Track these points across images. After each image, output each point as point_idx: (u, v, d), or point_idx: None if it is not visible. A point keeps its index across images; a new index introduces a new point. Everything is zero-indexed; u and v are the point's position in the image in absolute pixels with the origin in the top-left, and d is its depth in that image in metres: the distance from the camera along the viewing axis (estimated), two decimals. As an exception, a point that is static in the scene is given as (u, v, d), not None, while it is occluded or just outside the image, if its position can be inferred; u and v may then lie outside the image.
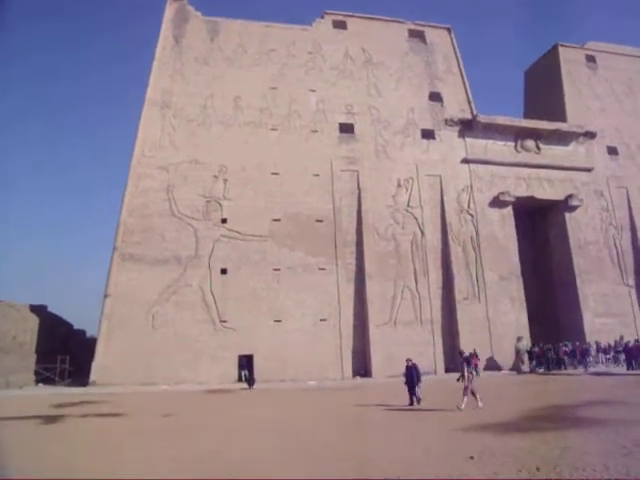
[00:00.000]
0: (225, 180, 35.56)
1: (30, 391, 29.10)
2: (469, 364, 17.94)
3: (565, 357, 34.49)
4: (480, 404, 16.31)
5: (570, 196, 42.44)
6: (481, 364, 34.29)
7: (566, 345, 35.11)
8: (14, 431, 14.29)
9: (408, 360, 19.08)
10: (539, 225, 45.24)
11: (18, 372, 31.71)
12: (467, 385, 16.61)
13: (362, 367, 34.33)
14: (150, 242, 33.42)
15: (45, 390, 29.24)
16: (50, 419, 16.46)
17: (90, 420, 16.41)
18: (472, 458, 8.97)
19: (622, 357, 34.29)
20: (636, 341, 34.07)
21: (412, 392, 18.46)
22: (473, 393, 16.58)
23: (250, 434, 13.28)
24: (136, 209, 33.77)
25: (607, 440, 10.01)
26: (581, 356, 35.14)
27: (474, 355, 32.19)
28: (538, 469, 7.91)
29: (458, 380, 17.24)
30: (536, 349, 35.89)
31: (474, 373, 18.17)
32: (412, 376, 18.51)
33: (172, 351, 31.58)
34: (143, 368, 30.48)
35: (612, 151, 46.36)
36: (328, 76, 40.07)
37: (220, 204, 35.08)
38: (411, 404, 18.23)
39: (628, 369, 31.22)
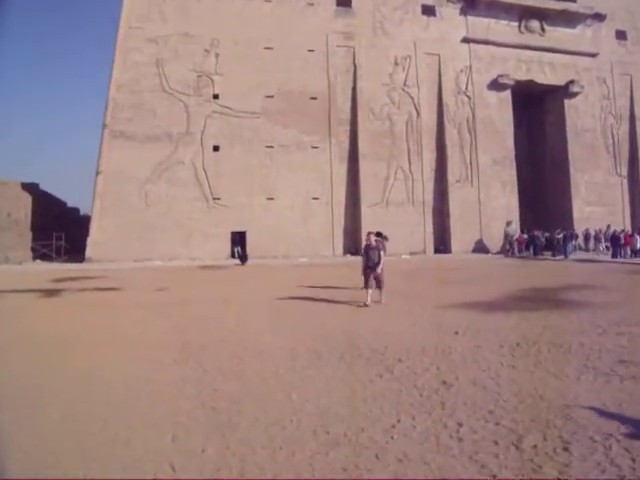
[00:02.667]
0: (217, 55, 34.28)
1: (28, 267, 29.62)
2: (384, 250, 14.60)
3: (562, 243, 34.17)
4: (383, 295, 13.53)
5: (571, 82, 41.42)
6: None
7: (559, 233, 35.21)
8: (16, 303, 14.72)
9: (368, 235, 14.31)
10: (536, 112, 44.39)
11: (15, 249, 32.23)
12: (380, 274, 13.39)
13: (353, 245, 34.84)
14: (140, 118, 32.77)
15: (43, 266, 29.71)
16: (49, 292, 16.84)
17: (88, 294, 16.77)
18: (457, 333, 9.31)
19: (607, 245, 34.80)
20: (622, 230, 34.56)
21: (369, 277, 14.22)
22: (380, 284, 13.51)
23: (241, 306, 13.64)
24: (125, 84, 32.79)
25: (585, 320, 10.35)
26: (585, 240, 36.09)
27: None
28: (518, 344, 8.26)
29: (374, 267, 13.41)
30: (525, 235, 36.41)
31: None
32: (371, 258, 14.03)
33: (166, 228, 31.92)
34: (138, 244, 30.91)
35: (621, 35, 44.49)
36: (326, -57, 37.50)
37: (212, 79, 34.07)
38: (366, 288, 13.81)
39: (613, 257, 31.73)
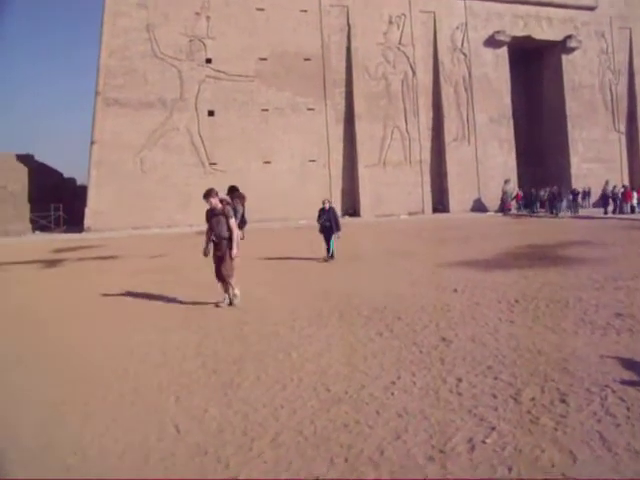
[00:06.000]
0: (208, 17, 33.61)
1: (28, 238, 29.69)
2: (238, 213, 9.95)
3: (562, 201, 33.77)
4: (237, 292, 8.95)
5: (569, 37, 40.76)
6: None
7: (556, 190, 34.72)
8: (18, 274, 14.83)
9: (325, 201, 14.88)
10: (533, 68, 43.81)
11: (14, 221, 32.17)
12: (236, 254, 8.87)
13: (351, 207, 34.92)
14: (133, 85, 32.32)
15: (42, 237, 29.71)
16: (51, 263, 17.02)
17: (87, 262, 17.00)
18: (455, 291, 9.40)
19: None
20: (624, 187, 34.45)
21: (328, 242, 14.45)
22: (226, 276, 8.84)
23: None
24: (116, 50, 32.21)
25: (582, 276, 10.40)
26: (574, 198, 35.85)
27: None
28: (516, 301, 8.31)
29: (222, 244, 8.86)
30: (521, 192, 36.37)
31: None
32: (329, 222, 14.34)
33: (163, 195, 31.81)
34: (136, 212, 30.87)
35: (620, -14, 43.57)
36: None
37: (204, 43, 33.49)
38: (327, 259, 14.18)
39: (604, 214, 31.56)
